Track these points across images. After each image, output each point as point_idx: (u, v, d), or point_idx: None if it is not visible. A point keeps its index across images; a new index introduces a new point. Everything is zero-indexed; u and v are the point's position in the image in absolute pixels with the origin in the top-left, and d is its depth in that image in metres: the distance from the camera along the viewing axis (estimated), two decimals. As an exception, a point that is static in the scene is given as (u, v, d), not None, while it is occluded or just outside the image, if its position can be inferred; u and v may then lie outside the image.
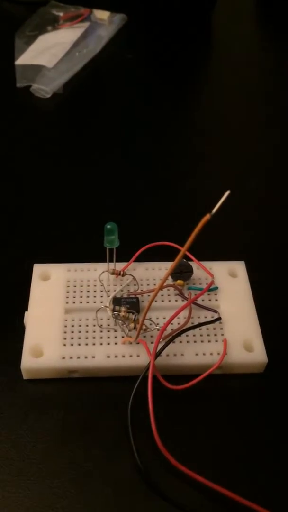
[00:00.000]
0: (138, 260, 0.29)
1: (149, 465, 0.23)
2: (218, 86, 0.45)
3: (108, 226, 0.26)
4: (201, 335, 0.27)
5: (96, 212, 0.33)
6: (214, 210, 0.17)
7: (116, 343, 0.26)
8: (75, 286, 0.28)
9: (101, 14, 0.48)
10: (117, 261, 0.28)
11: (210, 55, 0.49)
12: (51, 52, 0.44)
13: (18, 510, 0.22)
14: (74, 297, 0.28)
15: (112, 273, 0.28)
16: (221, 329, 0.27)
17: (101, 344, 0.26)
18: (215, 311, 0.27)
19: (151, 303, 0.24)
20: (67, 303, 0.28)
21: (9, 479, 0.23)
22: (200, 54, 0.48)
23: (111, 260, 0.28)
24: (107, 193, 0.35)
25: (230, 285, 0.29)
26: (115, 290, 0.28)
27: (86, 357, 0.26)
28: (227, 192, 0.17)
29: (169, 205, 0.35)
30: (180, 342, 0.26)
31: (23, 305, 0.28)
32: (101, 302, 0.28)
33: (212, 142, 0.39)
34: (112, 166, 0.37)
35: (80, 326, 0.27)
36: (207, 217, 0.18)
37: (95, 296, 0.28)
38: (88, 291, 0.28)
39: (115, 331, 0.26)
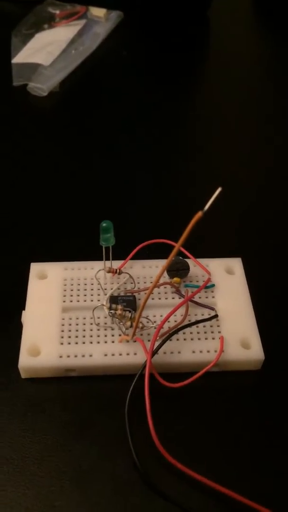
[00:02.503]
0: (135, 258, 0.29)
1: (147, 462, 0.23)
2: (215, 83, 0.45)
3: (104, 224, 0.26)
4: (198, 333, 0.27)
5: (92, 210, 0.33)
6: (206, 207, 0.17)
7: (113, 342, 0.26)
8: (72, 285, 0.28)
9: (97, 12, 0.47)
10: (114, 259, 0.28)
11: (207, 51, 0.49)
12: (47, 50, 0.44)
13: (17, 509, 0.22)
14: (71, 295, 0.28)
15: (109, 271, 0.28)
16: (218, 326, 0.27)
17: (98, 342, 0.26)
18: (212, 309, 0.27)
19: (147, 300, 0.24)
20: (64, 301, 0.28)
21: (7, 478, 0.23)
22: (197, 50, 0.48)
23: (107, 258, 0.28)
24: (103, 191, 0.35)
25: (227, 282, 0.29)
26: (111, 289, 0.28)
27: (83, 356, 0.26)
28: (219, 189, 0.17)
29: (166, 202, 0.35)
30: (177, 339, 0.26)
31: (20, 304, 0.28)
32: (98, 300, 0.28)
33: (209, 139, 0.39)
34: (108, 164, 0.37)
35: (77, 324, 0.27)
36: (199, 214, 0.18)
37: (92, 295, 0.28)
38: (85, 290, 0.28)
39: (112, 329, 0.26)
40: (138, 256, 0.29)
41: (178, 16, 0.49)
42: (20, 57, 0.44)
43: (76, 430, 0.24)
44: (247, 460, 0.24)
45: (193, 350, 0.26)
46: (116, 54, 0.46)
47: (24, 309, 0.27)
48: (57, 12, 0.48)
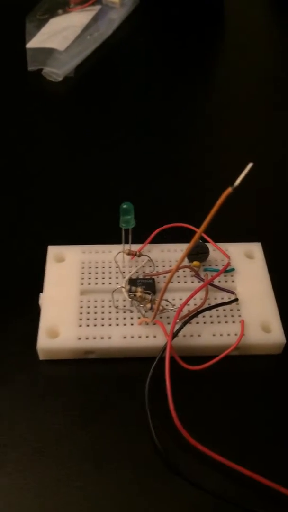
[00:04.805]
0: (154, 241, 0.29)
1: (167, 444, 0.23)
2: (231, 68, 0.44)
3: (124, 206, 0.26)
4: (218, 316, 0.26)
5: (111, 193, 0.33)
6: (237, 182, 0.17)
7: (132, 324, 0.26)
8: (90, 268, 0.28)
9: (112, -3, 0.47)
10: (132, 242, 0.28)
11: (222, 37, 0.48)
12: (62, 35, 0.44)
13: (36, 489, 0.22)
14: (89, 278, 0.28)
15: (128, 254, 0.28)
16: (238, 310, 0.27)
17: (117, 325, 0.26)
18: (232, 292, 0.27)
19: (168, 283, 0.23)
20: (82, 284, 0.27)
21: (26, 459, 0.23)
22: (213, 36, 0.47)
23: (126, 241, 0.27)
24: (122, 174, 0.35)
25: (247, 266, 0.28)
26: (130, 271, 0.28)
27: (102, 338, 0.25)
28: (250, 164, 0.17)
29: (185, 187, 0.34)
30: (197, 323, 0.26)
31: (38, 286, 0.27)
32: (117, 283, 0.27)
33: (227, 123, 0.39)
34: (126, 147, 0.37)
35: (95, 307, 0.26)
36: (229, 190, 0.18)
37: (110, 278, 0.28)
38: (103, 273, 0.28)
39: (131, 312, 0.26)
40: (157, 240, 0.29)
41: (193, 1, 0.49)
42: (34, 42, 0.43)
43: (95, 412, 0.24)
44: (266, 442, 0.24)
45: (213, 333, 0.26)
46: (131, 40, 0.46)
47: (42, 291, 0.27)
48: (72, -3, 0.47)
